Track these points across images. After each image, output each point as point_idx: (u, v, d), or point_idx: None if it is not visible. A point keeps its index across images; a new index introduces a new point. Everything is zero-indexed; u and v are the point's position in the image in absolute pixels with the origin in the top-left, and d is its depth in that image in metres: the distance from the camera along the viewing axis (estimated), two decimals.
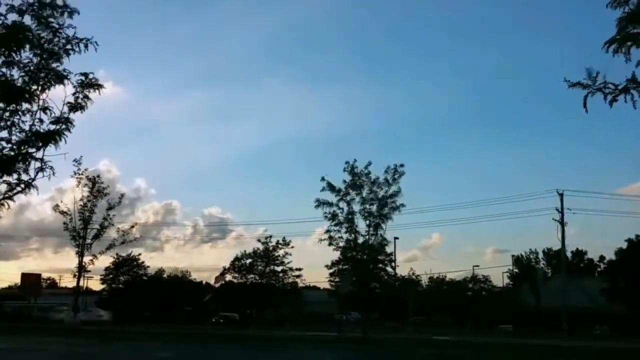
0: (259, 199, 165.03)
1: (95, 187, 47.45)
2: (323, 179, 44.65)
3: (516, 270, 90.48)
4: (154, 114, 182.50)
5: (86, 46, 12.40)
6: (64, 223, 47.29)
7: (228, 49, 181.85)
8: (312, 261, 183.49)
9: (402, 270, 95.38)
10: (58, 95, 12.58)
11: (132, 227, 51.98)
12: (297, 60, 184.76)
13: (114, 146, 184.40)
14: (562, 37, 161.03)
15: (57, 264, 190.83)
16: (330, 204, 44.20)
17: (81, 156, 46.63)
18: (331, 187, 44.34)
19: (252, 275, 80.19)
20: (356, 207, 44.30)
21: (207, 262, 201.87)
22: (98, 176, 48.43)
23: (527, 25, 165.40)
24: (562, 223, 59.59)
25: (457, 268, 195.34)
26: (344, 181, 44.41)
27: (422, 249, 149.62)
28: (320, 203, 44.29)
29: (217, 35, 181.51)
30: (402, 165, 44.81)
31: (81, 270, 49.05)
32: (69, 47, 12.38)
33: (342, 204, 44.08)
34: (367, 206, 43.83)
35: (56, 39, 12.37)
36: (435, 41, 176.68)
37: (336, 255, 58.95)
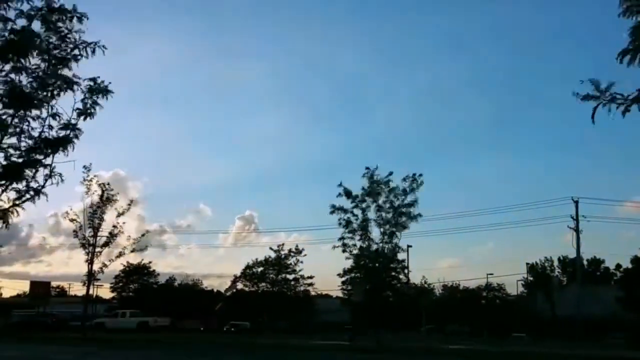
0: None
1: (105, 194, 47.28)
2: (340, 184, 44.34)
3: (531, 279, 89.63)
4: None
5: (93, 51, 12.25)
6: (74, 231, 47.17)
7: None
8: (325, 269, 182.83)
9: (416, 279, 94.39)
10: (68, 102, 12.45)
11: (143, 235, 51.77)
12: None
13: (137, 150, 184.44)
14: (578, 45, 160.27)
15: (69, 270, 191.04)
16: (345, 211, 43.88)
17: (90, 163, 46.66)
18: (347, 194, 44.01)
19: (263, 284, 79.91)
20: (371, 215, 43.94)
21: (232, 268, 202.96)
22: (108, 183, 48.35)
23: (543, 31, 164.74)
24: (577, 231, 59.01)
25: (471, 276, 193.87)
26: (363, 188, 44.08)
27: (436, 258, 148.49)
28: (335, 209, 44.00)
29: None
30: (420, 175, 44.38)
31: (91, 278, 48.84)
32: (76, 52, 12.22)
33: (357, 211, 43.74)
34: (383, 214, 43.48)
35: (64, 44, 12.22)
36: (443, 48, 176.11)
37: (349, 263, 58.66)
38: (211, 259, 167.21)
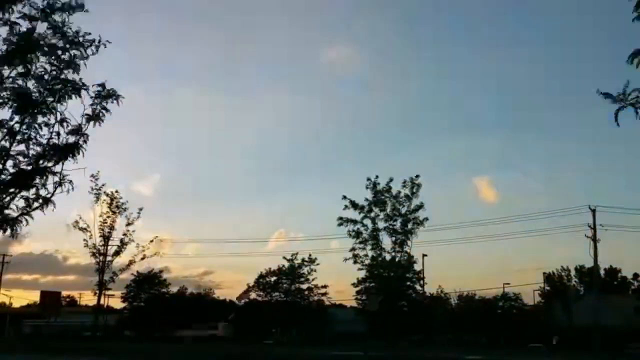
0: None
1: (114, 202, 46.95)
2: (345, 197, 44.01)
3: (548, 288, 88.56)
4: None
5: (97, 48, 12.01)
6: (84, 240, 46.82)
7: None
8: (340, 278, 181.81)
9: (432, 288, 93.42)
10: (76, 109, 12.21)
11: (152, 241, 51.33)
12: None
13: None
14: (594, 48, 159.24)
15: (80, 279, 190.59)
16: (354, 222, 43.51)
17: (98, 171, 46.44)
18: (354, 205, 43.65)
19: (276, 293, 79.29)
20: (381, 224, 43.56)
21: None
22: (116, 191, 48.02)
23: (558, 36, 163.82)
24: (594, 239, 58.14)
25: (487, 285, 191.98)
26: (366, 199, 43.72)
27: (452, 267, 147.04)
28: (343, 221, 43.64)
29: None
30: (417, 176, 44.09)
31: (101, 287, 48.44)
32: (81, 49, 11.93)
33: (367, 221, 43.35)
34: (392, 223, 43.10)
35: (69, 45, 11.97)
36: (460, 50, 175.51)
37: (359, 274, 58.14)
38: (240, 267, 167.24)
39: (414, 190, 43.96)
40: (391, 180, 44.44)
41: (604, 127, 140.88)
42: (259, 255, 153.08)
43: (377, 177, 44.44)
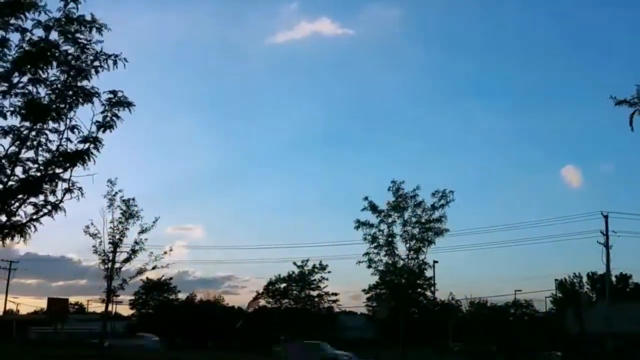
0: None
1: (129, 210, 46.44)
2: (366, 198, 43.46)
3: (559, 295, 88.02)
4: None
5: (115, 63, 11.92)
6: (93, 246, 46.33)
7: None
8: (350, 285, 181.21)
9: (443, 295, 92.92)
10: (87, 115, 12.11)
11: (165, 252, 50.83)
12: None
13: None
14: (611, 55, 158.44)
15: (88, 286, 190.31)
16: (370, 225, 42.89)
17: (116, 177, 46.02)
18: (373, 208, 43.01)
19: (286, 300, 79.08)
20: (397, 230, 42.94)
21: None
22: (133, 199, 47.49)
23: (576, 42, 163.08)
24: (607, 246, 57.73)
25: (499, 292, 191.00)
26: (388, 202, 43.12)
27: (463, 273, 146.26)
28: (360, 224, 43.04)
29: None
30: (452, 192, 43.26)
31: (110, 295, 48.03)
32: (97, 63, 11.90)
33: (383, 226, 42.74)
34: (409, 229, 42.43)
35: (84, 56, 11.89)
36: (470, 59, 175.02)
37: (374, 279, 57.73)
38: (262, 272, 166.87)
39: (443, 203, 43.12)
40: (418, 187, 43.80)
41: (614, 129, 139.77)
42: (283, 261, 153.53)
43: (403, 181, 43.91)
